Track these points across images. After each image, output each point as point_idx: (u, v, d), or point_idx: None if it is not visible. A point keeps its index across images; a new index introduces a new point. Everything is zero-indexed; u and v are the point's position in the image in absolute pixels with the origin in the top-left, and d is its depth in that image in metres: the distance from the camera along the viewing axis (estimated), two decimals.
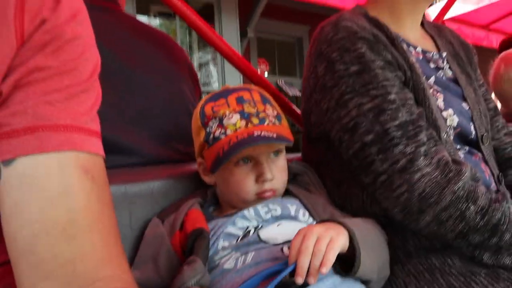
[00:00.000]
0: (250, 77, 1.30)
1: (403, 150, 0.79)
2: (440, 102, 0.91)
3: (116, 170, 0.98)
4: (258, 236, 0.79)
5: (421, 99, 0.87)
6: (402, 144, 0.80)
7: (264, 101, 0.90)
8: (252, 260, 0.74)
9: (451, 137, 0.91)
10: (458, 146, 0.93)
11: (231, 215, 0.84)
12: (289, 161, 1.04)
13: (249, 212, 0.83)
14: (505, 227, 0.75)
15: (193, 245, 0.77)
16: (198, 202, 0.89)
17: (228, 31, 5.56)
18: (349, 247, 0.69)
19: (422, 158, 0.79)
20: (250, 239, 0.78)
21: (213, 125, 0.87)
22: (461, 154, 0.92)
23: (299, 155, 1.10)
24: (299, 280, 0.63)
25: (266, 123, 0.86)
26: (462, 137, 0.95)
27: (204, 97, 0.95)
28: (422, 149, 0.80)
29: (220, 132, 0.85)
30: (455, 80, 1.01)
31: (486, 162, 0.98)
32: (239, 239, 0.80)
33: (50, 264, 0.46)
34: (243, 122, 0.85)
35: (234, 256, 0.76)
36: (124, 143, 1.01)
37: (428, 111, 0.87)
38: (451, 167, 0.79)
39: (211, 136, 0.87)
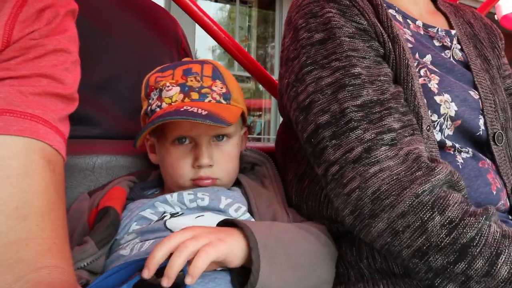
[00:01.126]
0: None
1: (361, 136, 0.62)
2: (434, 85, 0.72)
3: (79, 140, 0.90)
4: (165, 224, 0.67)
5: (402, 78, 0.69)
6: (360, 128, 0.62)
7: (215, 76, 0.78)
8: (147, 249, 0.63)
9: (446, 132, 0.71)
10: (459, 146, 0.72)
11: (153, 198, 0.73)
12: (260, 149, 0.90)
13: (172, 197, 0.71)
14: (478, 250, 0.55)
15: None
16: (130, 180, 0.79)
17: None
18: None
19: (385, 148, 0.61)
20: (155, 226, 0.67)
21: (154, 96, 0.77)
22: (459, 159, 0.72)
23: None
24: (144, 273, 0.50)
25: (206, 100, 0.74)
26: (465, 133, 0.74)
27: (156, 68, 0.85)
28: (387, 136, 0.62)
29: (157, 104, 0.76)
30: (466, 65, 0.81)
31: (497, 171, 0.76)
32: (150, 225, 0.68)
33: None
34: (181, 96, 0.74)
35: (133, 242, 0.66)
36: (84, 112, 0.93)
37: (409, 94, 0.68)
38: (421, 164, 0.60)
39: (149, 108, 0.77)
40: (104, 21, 1.01)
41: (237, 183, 0.80)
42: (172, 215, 0.69)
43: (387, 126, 0.63)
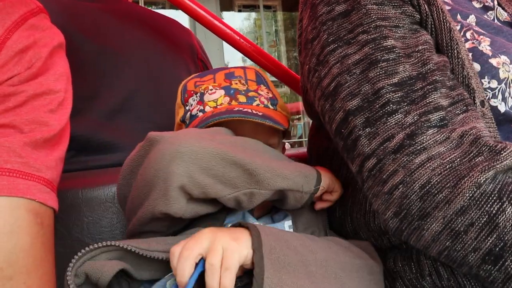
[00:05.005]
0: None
1: (402, 121, 0.51)
2: (485, 47, 0.59)
3: (98, 171, 0.87)
4: None
5: (445, 45, 0.57)
6: (401, 111, 0.51)
7: (259, 81, 0.71)
8: None
9: (510, 102, 0.58)
10: None
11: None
12: (291, 156, 0.80)
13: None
14: None
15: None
16: None
17: None
18: None
19: (432, 130, 0.50)
20: None
21: (193, 102, 0.69)
22: None
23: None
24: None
25: (255, 104, 0.66)
26: None
27: (193, 75, 0.78)
28: (435, 117, 0.50)
29: (198, 109, 0.67)
30: None
31: None
32: None
33: None
34: (227, 99, 0.66)
35: None
36: (101, 139, 0.89)
37: (456, 63, 0.56)
38: (482, 146, 0.48)
39: (188, 114, 0.69)
40: (113, 41, 0.97)
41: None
42: None
43: (433, 104, 0.51)
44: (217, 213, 0.60)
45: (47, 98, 0.53)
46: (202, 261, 0.46)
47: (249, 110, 0.62)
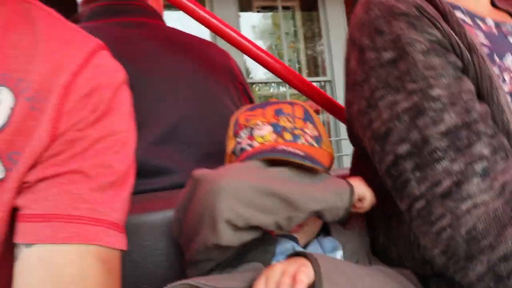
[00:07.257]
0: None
1: (449, 168, 0.56)
2: None
3: (149, 195, 0.91)
4: None
5: (486, 92, 0.61)
6: (447, 158, 0.56)
7: (306, 118, 0.77)
8: None
9: None
10: None
11: None
12: None
13: None
14: None
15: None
16: None
17: (334, 17, 5.25)
18: None
19: (477, 180, 0.54)
20: None
21: (244, 135, 0.76)
22: None
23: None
24: None
25: (300, 142, 0.72)
26: None
27: (244, 106, 0.84)
28: (479, 166, 0.55)
29: (247, 143, 0.74)
30: None
31: None
32: None
33: None
34: (274, 136, 0.72)
35: None
36: (152, 164, 0.94)
37: (496, 110, 0.60)
38: None
39: (239, 147, 0.75)
40: (156, 67, 1.01)
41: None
42: None
43: (478, 154, 0.56)
44: (266, 246, 0.66)
45: (111, 140, 0.53)
46: None
47: (292, 150, 0.67)
